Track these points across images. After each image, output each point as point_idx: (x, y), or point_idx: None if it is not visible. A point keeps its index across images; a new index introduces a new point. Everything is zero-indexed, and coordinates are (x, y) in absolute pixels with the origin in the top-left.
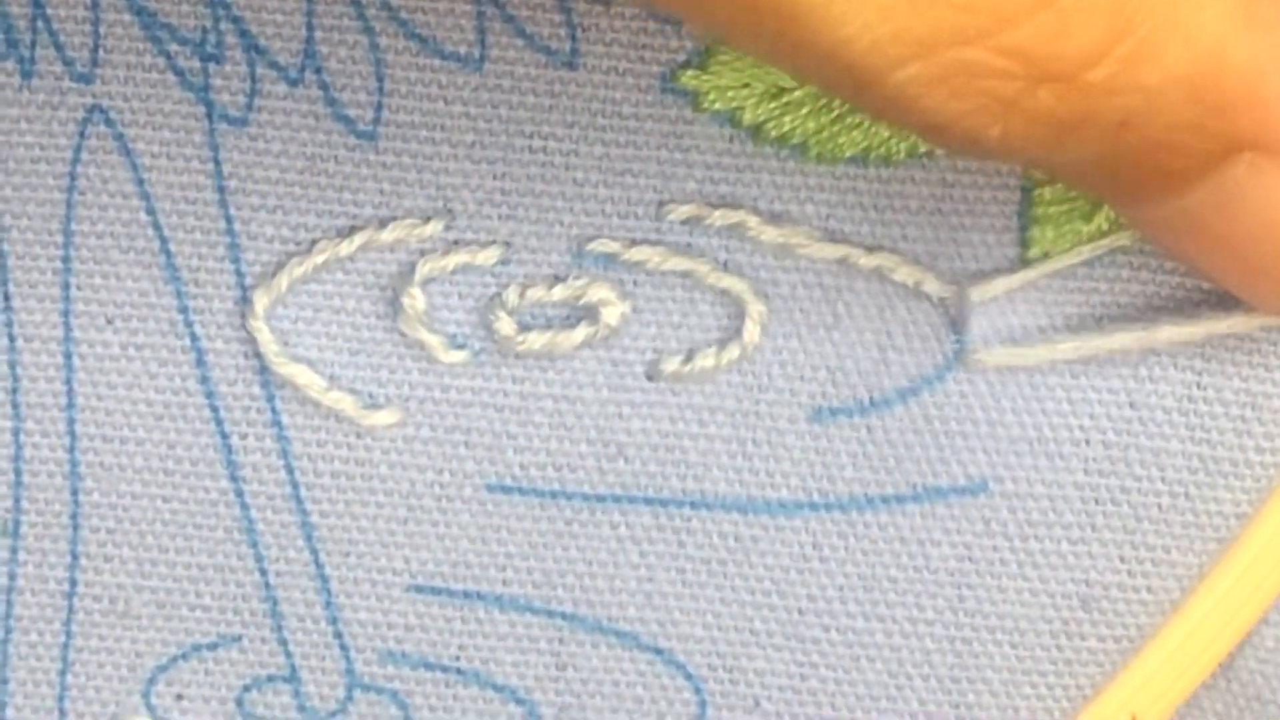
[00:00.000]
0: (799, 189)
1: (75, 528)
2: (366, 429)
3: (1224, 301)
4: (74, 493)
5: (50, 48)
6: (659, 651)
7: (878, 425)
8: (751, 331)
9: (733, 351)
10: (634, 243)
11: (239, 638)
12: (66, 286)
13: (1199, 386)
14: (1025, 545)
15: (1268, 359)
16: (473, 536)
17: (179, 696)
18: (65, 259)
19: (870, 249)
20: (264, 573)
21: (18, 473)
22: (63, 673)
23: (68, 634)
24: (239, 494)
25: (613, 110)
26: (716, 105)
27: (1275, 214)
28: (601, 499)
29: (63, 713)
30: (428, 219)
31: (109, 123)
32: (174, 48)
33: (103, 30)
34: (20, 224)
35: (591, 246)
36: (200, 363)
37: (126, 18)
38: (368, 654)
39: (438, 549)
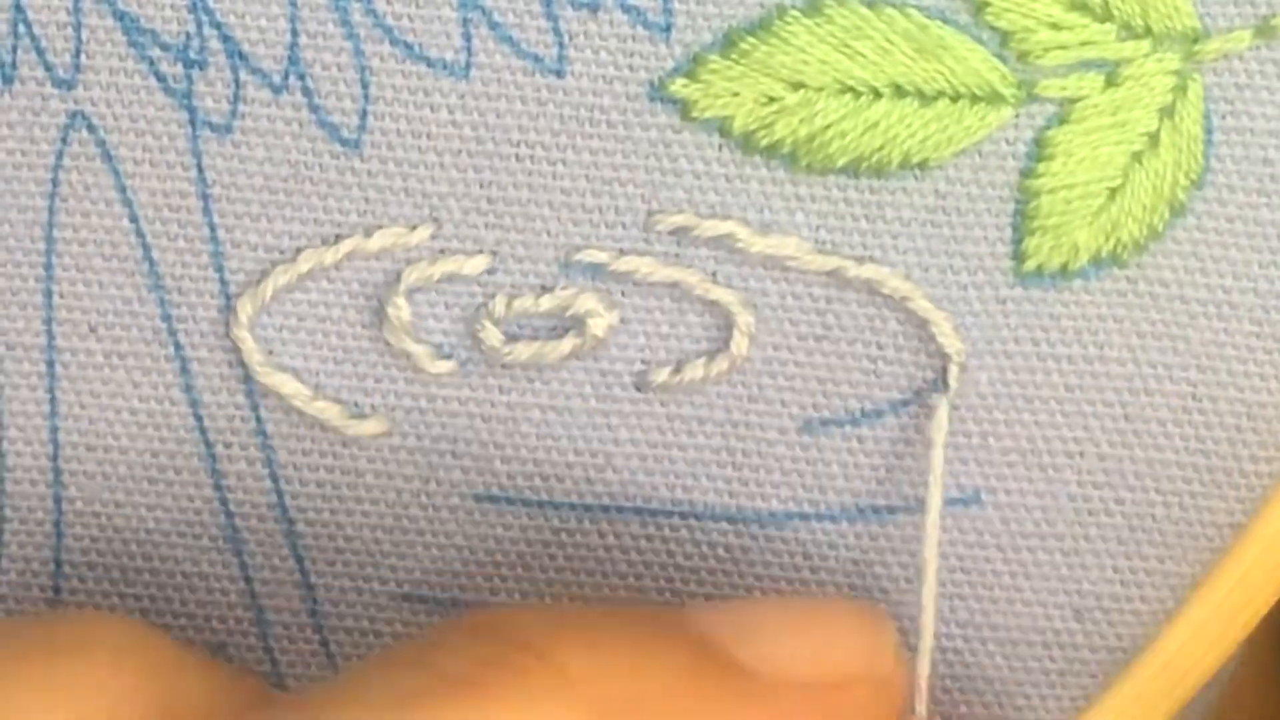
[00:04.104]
0: (789, 199)
1: (59, 536)
2: (352, 438)
3: (1220, 313)
4: (57, 501)
5: (32, 53)
6: None
7: (869, 436)
8: (740, 343)
9: (722, 363)
10: (622, 253)
11: (224, 646)
12: (49, 294)
13: (1194, 398)
14: (1018, 556)
15: (1263, 369)
16: (460, 546)
17: None
18: (47, 266)
19: (861, 261)
20: (249, 581)
21: (1, 480)
22: None
23: None
24: (223, 503)
25: (601, 119)
26: (706, 114)
27: None
28: (589, 509)
29: None
30: (414, 227)
31: (91, 129)
32: (157, 54)
33: (85, 35)
34: (1, 231)
35: (579, 256)
36: (184, 371)
37: (109, 23)
38: (354, 663)
39: (424, 558)
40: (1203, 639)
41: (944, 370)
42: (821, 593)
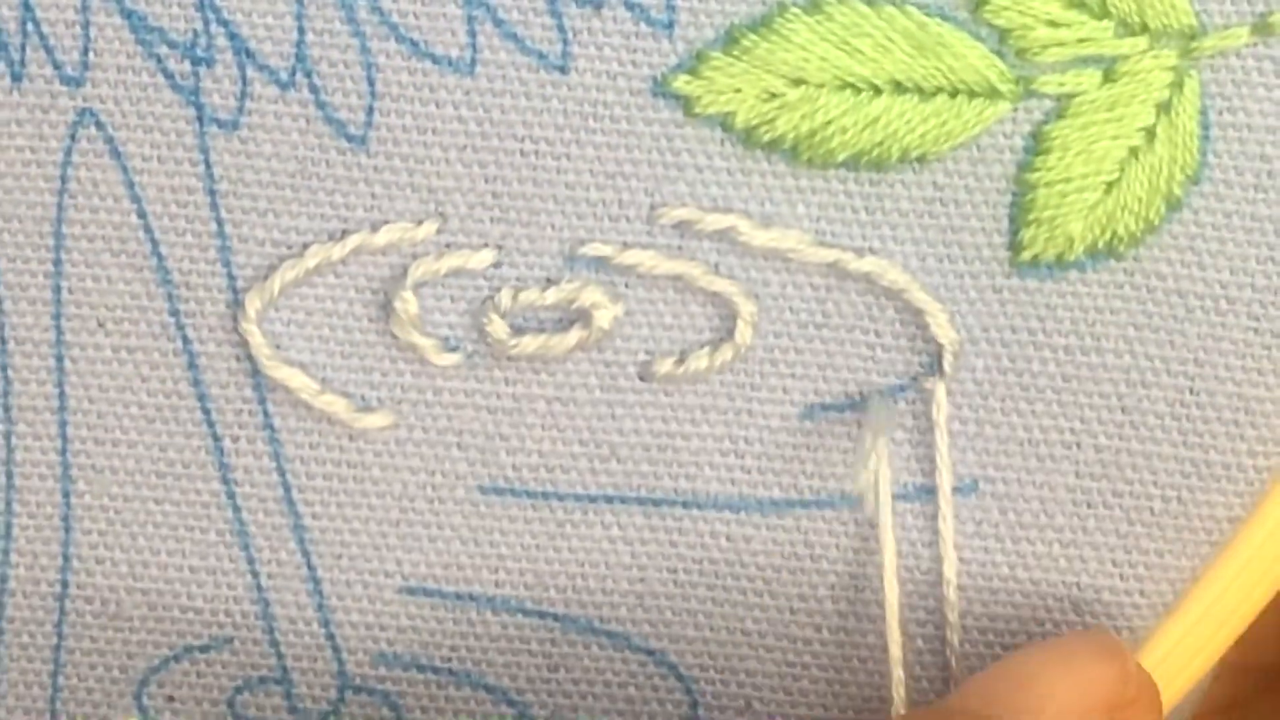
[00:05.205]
0: (790, 193)
1: (67, 530)
2: (359, 431)
3: (1217, 307)
4: (65, 495)
5: (40, 50)
6: (651, 652)
7: (874, 419)
8: (744, 332)
9: (726, 352)
10: (626, 246)
11: (230, 639)
12: (58, 290)
13: (1191, 391)
14: (1016, 547)
15: (1260, 364)
16: (465, 538)
17: (170, 698)
18: (56, 262)
19: (860, 253)
20: (255, 574)
21: (10, 475)
22: (54, 674)
23: (59, 636)
24: (231, 496)
25: (604, 114)
26: (709, 110)
27: None
28: (594, 500)
29: (55, 714)
30: (420, 222)
31: (99, 126)
32: (164, 51)
33: (93, 33)
34: (11, 227)
35: (584, 250)
36: (192, 366)
37: (116, 20)
38: (359, 655)
39: (430, 551)
40: (1201, 632)
41: (939, 358)
42: (822, 583)
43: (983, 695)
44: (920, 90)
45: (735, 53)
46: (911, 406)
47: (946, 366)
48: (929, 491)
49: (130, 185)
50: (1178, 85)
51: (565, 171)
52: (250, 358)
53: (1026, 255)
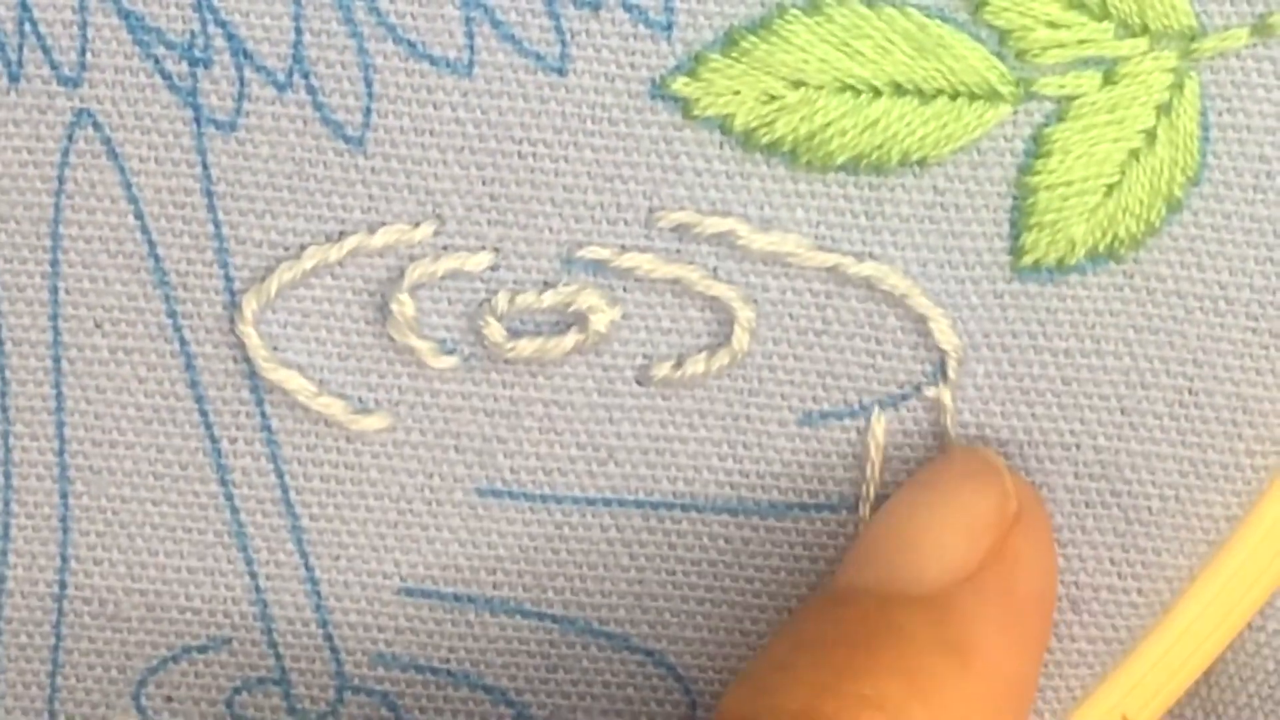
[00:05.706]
0: (789, 196)
1: (65, 531)
2: (356, 433)
3: (1216, 308)
4: (63, 496)
5: (37, 51)
6: (649, 654)
7: (868, 429)
8: (741, 338)
9: (723, 358)
10: (624, 250)
11: (229, 640)
12: (55, 291)
13: (1190, 392)
14: None
15: (1258, 364)
16: (463, 540)
17: (169, 699)
18: (53, 263)
19: (860, 257)
20: (254, 575)
21: (7, 476)
22: (53, 675)
23: (57, 636)
24: (228, 498)
25: (603, 117)
26: (707, 112)
27: None
28: (592, 502)
29: (53, 715)
30: (417, 224)
31: (97, 127)
32: (162, 52)
33: (90, 34)
34: (8, 228)
35: (581, 253)
36: (189, 367)
37: (114, 21)
38: (358, 656)
39: (428, 552)
40: (1199, 632)
41: (942, 365)
42: (820, 582)
43: (874, 569)
44: (920, 92)
45: (734, 54)
46: (913, 413)
47: (951, 373)
48: None
49: (127, 186)
50: (1178, 87)
51: (563, 174)
52: (247, 359)
53: (1028, 260)
